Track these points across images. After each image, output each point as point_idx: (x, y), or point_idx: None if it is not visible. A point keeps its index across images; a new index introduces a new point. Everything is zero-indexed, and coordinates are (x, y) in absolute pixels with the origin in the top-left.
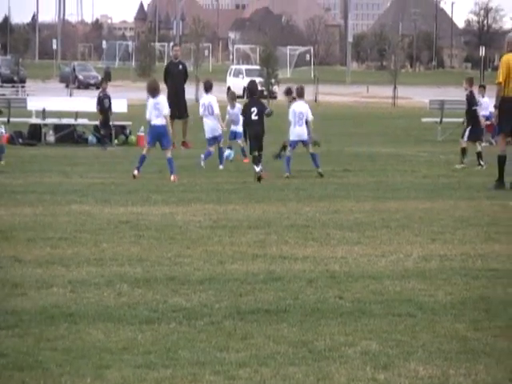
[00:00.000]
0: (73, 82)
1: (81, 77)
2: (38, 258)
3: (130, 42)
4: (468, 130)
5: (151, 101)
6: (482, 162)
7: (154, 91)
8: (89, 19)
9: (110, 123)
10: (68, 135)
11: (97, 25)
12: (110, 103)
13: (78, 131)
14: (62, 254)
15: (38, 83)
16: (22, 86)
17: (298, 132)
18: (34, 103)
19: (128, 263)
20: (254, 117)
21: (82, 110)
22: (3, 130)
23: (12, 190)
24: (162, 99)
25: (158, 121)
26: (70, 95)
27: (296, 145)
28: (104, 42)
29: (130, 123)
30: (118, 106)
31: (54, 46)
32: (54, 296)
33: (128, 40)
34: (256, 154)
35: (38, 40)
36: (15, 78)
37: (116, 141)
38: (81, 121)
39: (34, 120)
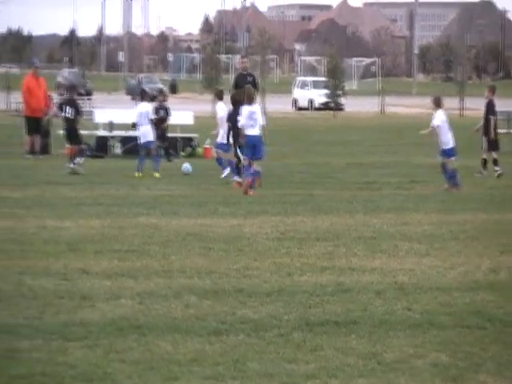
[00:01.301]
0: (138, 94)
1: (147, 89)
2: (106, 270)
3: (196, 54)
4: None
5: (246, 110)
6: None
7: (251, 99)
8: (154, 32)
9: (168, 135)
10: (135, 147)
11: (162, 37)
12: (167, 114)
13: None
14: (130, 266)
15: (104, 96)
16: (89, 99)
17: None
18: (101, 116)
19: (196, 275)
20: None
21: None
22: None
23: (79, 202)
24: (258, 108)
25: (253, 131)
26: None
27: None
28: (170, 55)
29: (196, 135)
30: (185, 118)
31: (120, 59)
32: (123, 308)
33: (194, 52)
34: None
35: (104, 53)
36: (82, 91)
37: (182, 153)
38: None
39: (101, 132)
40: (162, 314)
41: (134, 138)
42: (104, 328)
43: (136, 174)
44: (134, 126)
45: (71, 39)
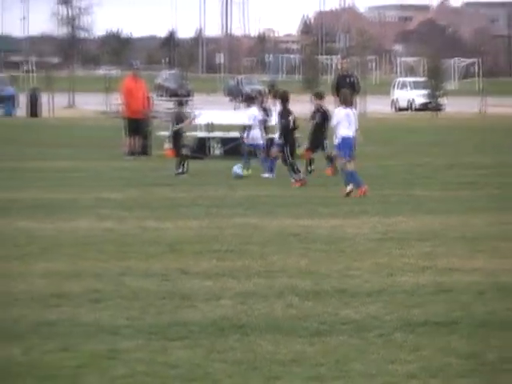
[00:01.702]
0: (238, 96)
1: (246, 90)
2: (206, 270)
3: (295, 55)
4: None
5: (342, 112)
6: None
7: (347, 102)
8: (254, 33)
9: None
10: (235, 148)
11: (261, 38)
12: (268, 115)
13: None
14: (230, 267)
15: (203, 97)
16: (189, 100)
17: None
18: (201, 117)
19: (297, 276)
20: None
21: (249, 124)
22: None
23: (179, 203)
24: (353, 112)
25: (350, 132)
26: (235, 108)
27: None
28: (269, 56)
29: (297, 135)
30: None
31: (219, 60)
32: (224, 308)
33: (293, 53)
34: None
35: (203, 54)
36: (181, 92)
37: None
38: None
39: (201, 133)
40: (263, 314)
41: (234, 139)
42: (205, 328)
43: (245, 172)
44: (244, 128)
45: (170, 41)
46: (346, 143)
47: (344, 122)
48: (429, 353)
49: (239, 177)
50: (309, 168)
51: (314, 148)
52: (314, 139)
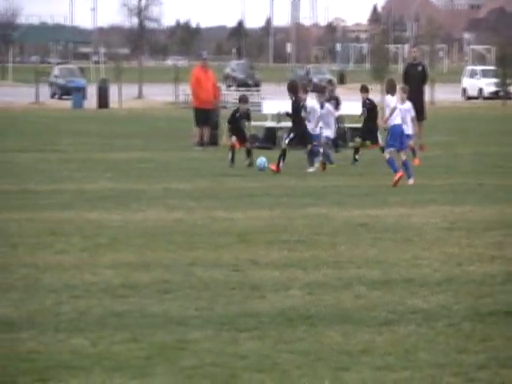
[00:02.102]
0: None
1: (315, 79)
2: (276, 260)
3: (364, 44)
4: None
5: (392, 100)
6: None
7: (394, 90)
8: (322, 22)
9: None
10: (303, 138)
11: (330, 27)
12: (338, 104)
13: None
14: (299, 257)
15: (272, 87)
16: (257, 90)
17: None
18: (269, 107)
19: (365, 265)
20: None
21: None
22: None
23: (250, 193)
24: (395, 99)
25: (398, 120)
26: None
27: None
28: (338, 45)
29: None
30: (353, 108)
31: (288, 50)
32: (292, 298)
33: (362, 42)
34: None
35: (272, 44)
36: (250, 82)
37: (351, 143)
38: None
39: (270, 123)
40: (331, 304)
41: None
42: (274, 318)
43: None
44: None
45: (239, 31)
46: (397, 131)
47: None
48: (498, 343)
49: (263, 169)
50: (356, 156)
51: (364, 139)
52: (364, 131)
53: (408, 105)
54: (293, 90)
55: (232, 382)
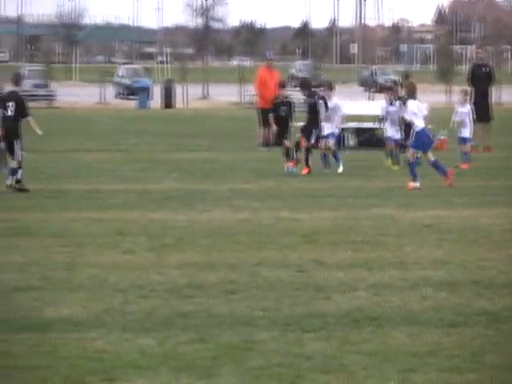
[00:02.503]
0: (372, 86)
1: (380, 80)
2: (341, 261)
3: (429, 44)
4: None
5: (413, 104)
6: None
7: (414, 93)
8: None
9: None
10: (368, 139)
11: (395, 28)
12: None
13: (378, 135)
14: (365, 258)
15: (337, 87)
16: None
17: None
18: None
19: (431, 266)
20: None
21: (383, 114)
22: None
23: (314, 193)
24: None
25: (421, 123)
26: (369, 99)
27: None
28: (403, 46)
29: (429, 126)
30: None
31: (353, 50)
32: (358, 299)
33: (427, 43)
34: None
35: (337, 44)
36: (315, 83)
37: None
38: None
39: None
40: (397, 305)
41: (368, 130)
42: (340, 319)
43: (394, 167)
44: (381, 120)
45: (304, 31)
46: (421, 135)
47: (418, 113)
48: None
49: (292, 172)
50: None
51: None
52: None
53: (467, 108)
54: (305, 86)
55: (298, 382)
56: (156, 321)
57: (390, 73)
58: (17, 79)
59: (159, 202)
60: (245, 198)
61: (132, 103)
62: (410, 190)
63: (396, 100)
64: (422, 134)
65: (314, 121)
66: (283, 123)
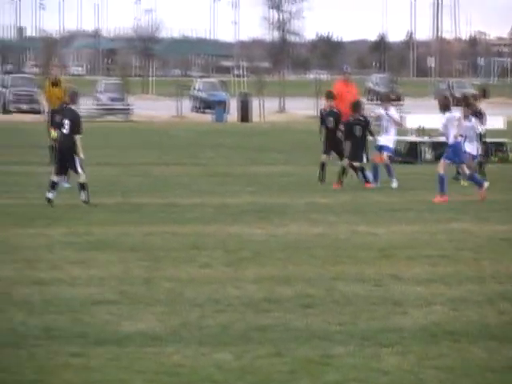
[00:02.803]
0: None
1: (457, 94)
2: (418, 275)
3: (507, 58)
4: None
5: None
6: None
7: (446, 107)
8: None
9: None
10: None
11: (472, 41)
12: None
13: None
14: (442, 272)
15: (414, 101)
16: (399, 104)
17: None
18: (412, 121)
19: (509, 281)
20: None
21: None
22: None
23: (391, 207)
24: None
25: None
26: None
27: None
28: (480, 59)
29: (507, 140)
30: (496, 122)
31: (430, 64)
32: (435, 314)
33: (504, 56)
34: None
35: (413, 58)
36: (392, 96)
37: (494, 158)
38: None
39: (412, 138)
40: (475, 320)
41: (445, 144)
42: (416, 334)
43: (462, 183)
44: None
45: (381, 44)
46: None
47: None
48: None
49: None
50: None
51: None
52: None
53: (472, 121)
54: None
55: None
56: (233, 335)
57: (466, 86)
58: (73, 97)
59: (236, 216)
60: (322, 212)
61: (209, 117)
62: (482, 198)
63: (471, 115)
64: (455, 146)
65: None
66: (357, 142)
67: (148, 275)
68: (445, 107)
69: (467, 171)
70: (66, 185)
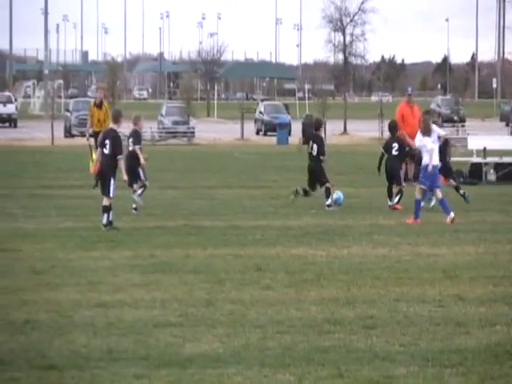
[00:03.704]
0: None
1: None
2: (481, 296)
3: None
4: None
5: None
6: None
7: (427, 131)
8: None
9: None
10: (510, 174)
11: None
12: None
13: None
14: (505, 292)
15: (477, 122)
16: (462, 126)
17: None
18: (475, 142)
19: None
20: (394, 152)
21: None
22: None
23: (454, 228)
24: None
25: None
26: (511, 134)
27: None
28: None
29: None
30: None
31: (494, 85)
32: (498, 334)
33: None
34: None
35: (477, 79)
36: (455, 118)
37: None
38: None
39: (475, 159)
40: None
41: (509, 165)
42: (479, 354)
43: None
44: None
45: (444, 66)
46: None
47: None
48: None
49: (339, 204)
50: None
51: None
52: None
53: (433, 137)
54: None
55: None
56: (294, 356)
57: None
58: (116, 117)
59: (299, 238)
60: (385, 234)
61: (272, 139)
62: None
63: None
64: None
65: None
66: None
67: (210, 297)
68: (427, 131)
69: (440, 195)
70: (139, 200)
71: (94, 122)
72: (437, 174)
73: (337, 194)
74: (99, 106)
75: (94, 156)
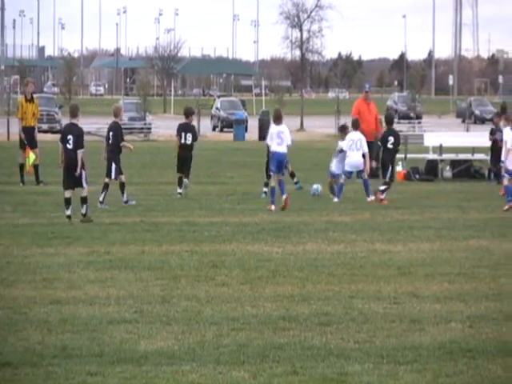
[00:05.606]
0: (469, 118)
1: (477, 112)
2: (436, 293)
3: None
4: None
5: (274, 128)
6: None
7: (279, 119)
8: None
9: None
10: (465, 171)
11: (493, 60)
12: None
13: (475, 166)
14: (460, 290)
15: (434, 119)
16: (419, 122)
17: None
18: (431, 139)
19: None
20: (389, 145)
21: (479, 145)
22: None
23: (410, 225)
24: (285, 128)
25: (280, 148)
26: (467, 130)
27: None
28: (500, 77)
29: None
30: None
31: (450, 82)
32: (452, 331)
33: None
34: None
35: (434, 76)
36: (412, 115)
37: None
38: (478, 156)
39: (431, 156)
40: (492, 337)
41: (464, 162)
42: (434, 351)
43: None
44: None
45: (401, 62)
46: (276, 158)
47: (276, 138)
48: None
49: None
50: None
51: None
52: None
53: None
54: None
55: None
56: (249, 353)
57: (487, 104)
58: (73, 111)
59: (254, 235)
60: (341, 231)
61: (229, 135)
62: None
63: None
64: (277, 157)
65: None
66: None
67: (165, 294)
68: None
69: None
70: (133, 202)
71: (28, 116)
72: None
73: (316, 185)
74: (31, 100)
75: (32, 155)
